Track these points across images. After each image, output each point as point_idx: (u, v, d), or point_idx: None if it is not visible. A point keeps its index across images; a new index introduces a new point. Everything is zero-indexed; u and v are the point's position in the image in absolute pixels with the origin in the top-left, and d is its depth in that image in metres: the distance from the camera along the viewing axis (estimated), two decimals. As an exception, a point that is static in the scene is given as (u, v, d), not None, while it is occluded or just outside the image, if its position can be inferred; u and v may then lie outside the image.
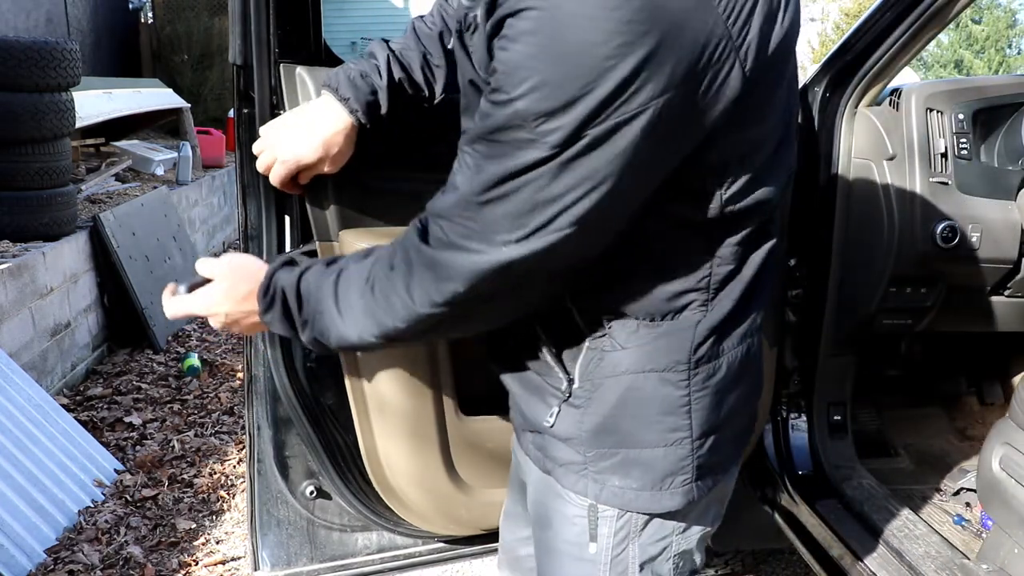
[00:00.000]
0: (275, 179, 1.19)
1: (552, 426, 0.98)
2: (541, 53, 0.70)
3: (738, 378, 0.96)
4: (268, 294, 1.00)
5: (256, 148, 1.20)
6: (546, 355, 0.97)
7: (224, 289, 1.06)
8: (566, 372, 0.96)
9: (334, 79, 1.16)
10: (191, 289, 1.08)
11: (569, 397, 0.96)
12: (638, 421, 0.94)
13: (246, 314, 1.05)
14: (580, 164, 0.73)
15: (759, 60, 0.77)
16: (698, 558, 1.06)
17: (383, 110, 1.16)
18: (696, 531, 1.03)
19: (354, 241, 1.24)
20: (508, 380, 1.05)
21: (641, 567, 1.00)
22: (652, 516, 0.98)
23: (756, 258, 0.92)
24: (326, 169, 1.18)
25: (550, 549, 1.06)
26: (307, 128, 1.15)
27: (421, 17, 1.23)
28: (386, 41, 1.20)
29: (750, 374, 0.99)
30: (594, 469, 0.96)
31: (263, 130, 1.21)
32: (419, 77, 1.19)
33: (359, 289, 0.92)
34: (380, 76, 1.16)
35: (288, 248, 1.33)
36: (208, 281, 1.08)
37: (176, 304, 1.09)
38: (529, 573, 1.23)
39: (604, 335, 0.93)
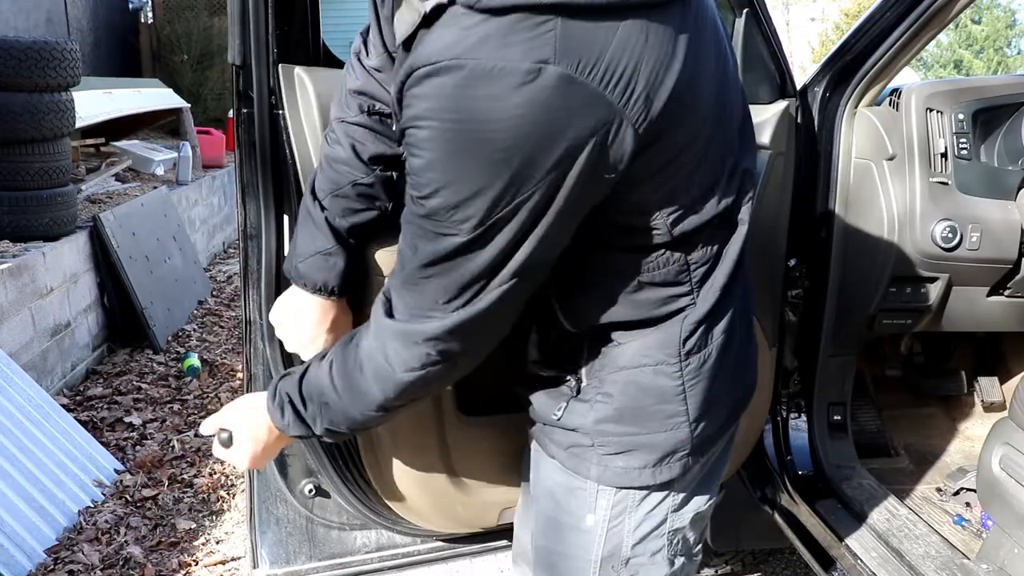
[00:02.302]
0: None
1: (559, 419, 1.06)
2: (440, 159, 0.78)
3: (723, 362, 1.03)
4: (277, 402, 1.07)
5: (276, 328, 1.24)
6: (552, 361, 1.06)
7: (243, 430, 1.13)
8: (574, 373, 1.05)
9: (298, 278, 1.17)
10: (228, 442, 1.15)
11: (578, 394, 1.04)
12: (639, 411, 1.01)
13: (268, 436, 1.12)
14: (496, 241, 0.82)
15: (653, 111, 0.80)
16: (692, 539, 1.12)
17: (346, 273, 1.16)
18: (690, 509, 1.09)
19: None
20: (519, 383, 1.12)
21: (635, 544, 1.06)
22: (649, 491, 1.05)
23: (730, 252, 0.99)
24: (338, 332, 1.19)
25: (551, 520, 1.12)
26: (298, 324, 1.19)
27: (326, 137, 1.18)
28: (317, 199, 1.15)
29: (736, 355, 1.06)
30: (599, 453, 1.04)
31: (272, 318, 1.24)
32: (363, 210, 1.16)
33: (350, 372, 0.99)
34: (333, 246, 1.14)
35: (287, 248, 1.33)
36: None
37: (220, 454, 1.17)
38: None
39: (605, 337, 1.01)
